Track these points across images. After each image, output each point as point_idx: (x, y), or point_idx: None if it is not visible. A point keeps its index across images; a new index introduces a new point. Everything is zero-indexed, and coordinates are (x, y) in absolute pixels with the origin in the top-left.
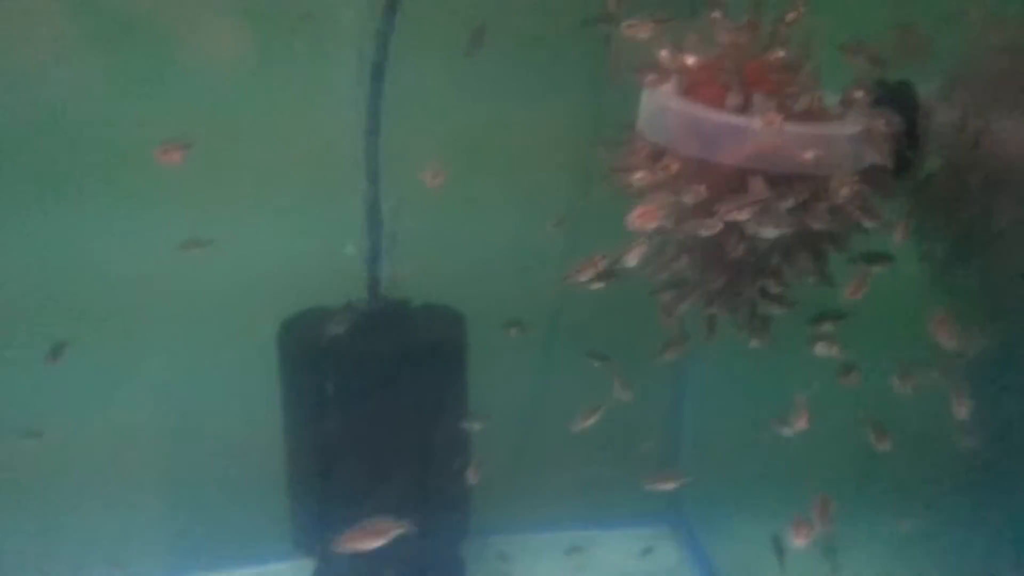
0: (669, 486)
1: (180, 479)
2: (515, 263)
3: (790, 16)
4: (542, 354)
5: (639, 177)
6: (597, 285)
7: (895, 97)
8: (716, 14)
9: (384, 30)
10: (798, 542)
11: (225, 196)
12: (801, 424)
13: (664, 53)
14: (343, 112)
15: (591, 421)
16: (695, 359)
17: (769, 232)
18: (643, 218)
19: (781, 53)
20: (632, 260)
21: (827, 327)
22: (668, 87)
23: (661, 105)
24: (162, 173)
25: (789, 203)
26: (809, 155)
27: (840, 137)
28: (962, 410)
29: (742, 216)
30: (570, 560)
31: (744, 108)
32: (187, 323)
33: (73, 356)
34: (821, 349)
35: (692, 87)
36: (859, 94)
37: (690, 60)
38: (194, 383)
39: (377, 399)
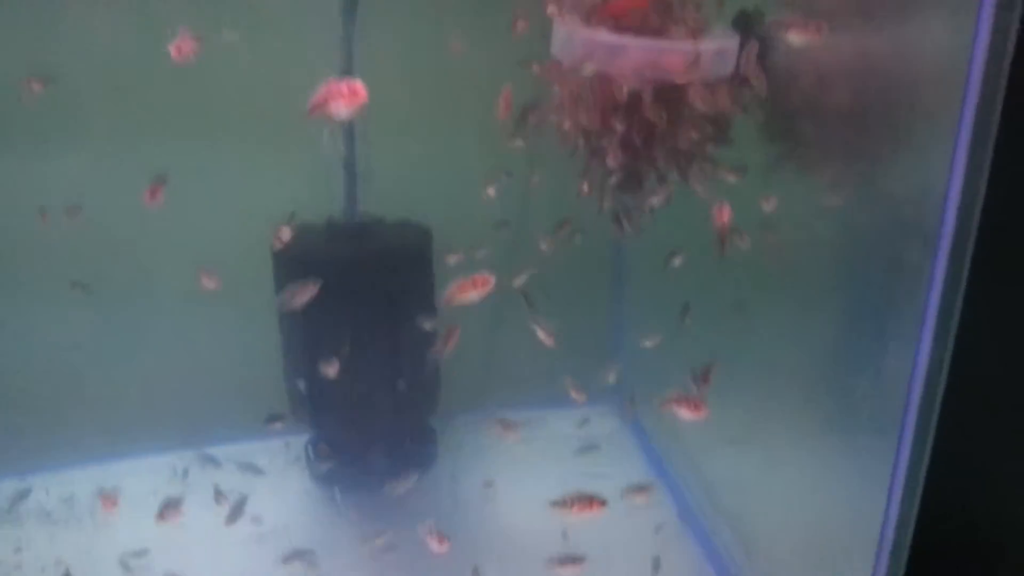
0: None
1: (191, 364)
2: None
3: None
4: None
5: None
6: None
7: (750, 23)
8: None
9: None
10: None
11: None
12: None
13: None
14: (323, 54)
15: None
16: (631, 267)
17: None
18: None
19: None
20: None
21: None
22: (573, 20)
23: (568, 33)
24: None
25: None
26: (680, 65)
27: (704, 52)
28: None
29: None
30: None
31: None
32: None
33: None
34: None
35: (594, 16)
36: None
37: None
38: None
39: (356, 298)
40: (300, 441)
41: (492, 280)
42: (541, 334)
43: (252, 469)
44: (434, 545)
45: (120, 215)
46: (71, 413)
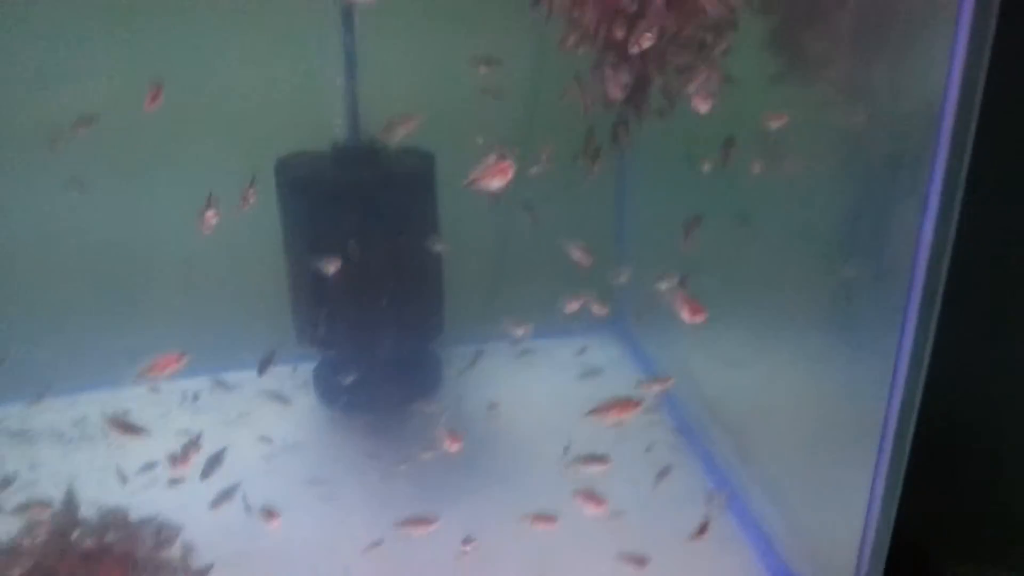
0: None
1: (198, 290)
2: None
3: None
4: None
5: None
6: None
7: None
8: None
9: None
10: None
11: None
12: None
13: None
14: None
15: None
16: (629, 196)
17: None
18: None
19: None
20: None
21: None
22: None
23: None
24: None
25: None
26: None
27: None
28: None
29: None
30: (522, 360)
31: None
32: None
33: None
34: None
35: None
36: None
37: None
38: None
39: (360, 221)
40: (308, 366)
41: (512, 168)
42: (577, 254)
43: (261, 393)
44: (448, 445)
45: (124, 139)
46: (83, 338)
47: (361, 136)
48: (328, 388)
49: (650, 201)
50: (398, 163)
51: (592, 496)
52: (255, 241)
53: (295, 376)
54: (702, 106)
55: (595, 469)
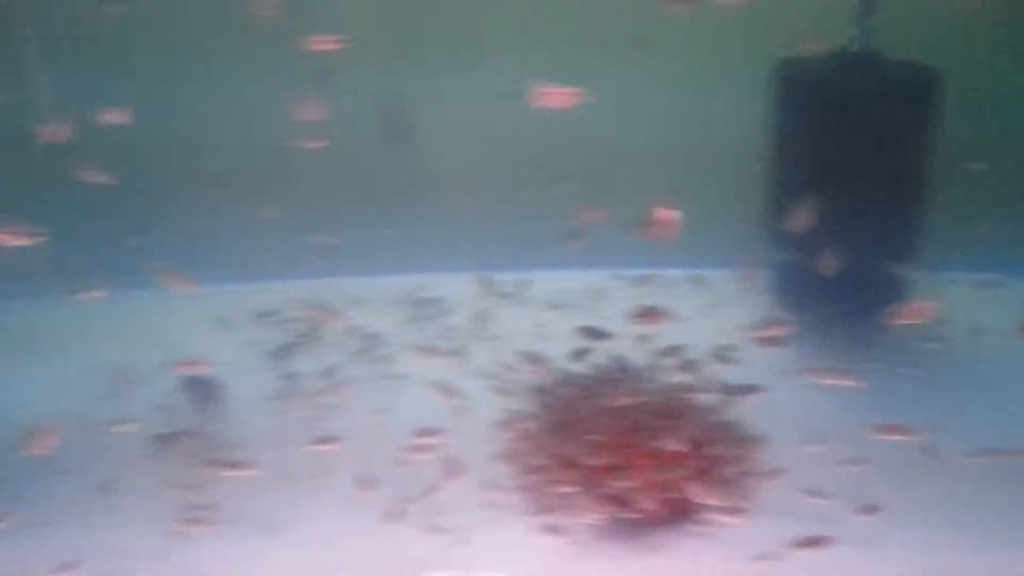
0: None
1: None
2: None
3: None
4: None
5: None
6: None
7: None
8: None
9: None
10: None
11: None
12: None
13: None
14: None
15: None
16: None
17: None
18: None
19: None
20: None
21: None
22: None
23: None
24: None
25: None
26: None
27: None
28: None
29: None
30: (986, 291)
31: None
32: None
33: None
34: None
35: None
36: None
37: None
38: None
39: (857, 130)
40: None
41: None
42: None
43: (730, 292)
44: None
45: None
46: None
47: (869, 45)
48: (793, 293)
49: None
50: (903, 75)
51: None
52: (739, 145)
53: (754, 277)
54: None
55: None
